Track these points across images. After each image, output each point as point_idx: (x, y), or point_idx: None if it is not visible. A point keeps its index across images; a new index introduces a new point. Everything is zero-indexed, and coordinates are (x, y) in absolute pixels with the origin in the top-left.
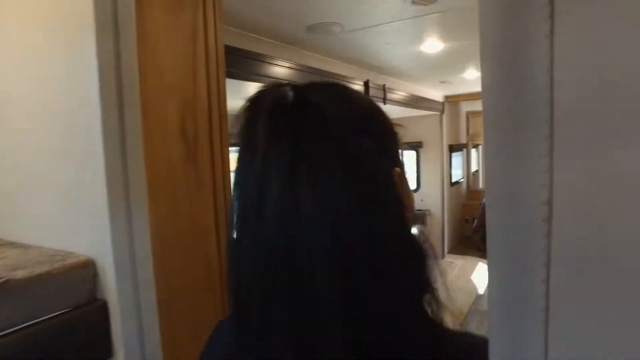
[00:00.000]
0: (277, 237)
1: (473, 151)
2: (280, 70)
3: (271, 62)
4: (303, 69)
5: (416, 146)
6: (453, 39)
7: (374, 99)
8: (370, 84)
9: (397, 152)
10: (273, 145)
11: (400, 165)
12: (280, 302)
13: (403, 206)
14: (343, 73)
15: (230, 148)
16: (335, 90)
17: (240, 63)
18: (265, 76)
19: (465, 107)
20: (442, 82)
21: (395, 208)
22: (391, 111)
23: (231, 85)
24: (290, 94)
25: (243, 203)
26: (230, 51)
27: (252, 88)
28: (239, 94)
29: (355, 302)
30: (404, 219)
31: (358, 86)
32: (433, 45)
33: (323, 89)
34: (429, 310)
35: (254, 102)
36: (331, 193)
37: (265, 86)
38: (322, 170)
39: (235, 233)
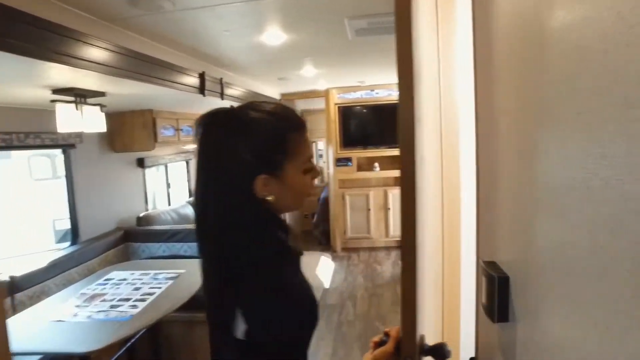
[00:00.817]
0: (198, 204)
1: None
2: (96, 52)
3: (81, 39)
4: (126, 54)
5: None
6: (295, 31)
7: (208, 93)
8: (207, 77)
9: (277, 159)
10: (197, 156)
11: (275, 167)
12: (198, 231)
13: (254, 196)
14: (176, 62)
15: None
16: (243, 115)
17: (35, 36)
18: (74, 57)
19: (300, 105)
20: (280, 78)
21: (248, 197)
22: None
23: (25, 64)
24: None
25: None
26: (16, 16)
27: (54, 71)
28: (37, 78)
29: (225, 231)
30: (255, 204)
31: (193, 79)
32: (274, 36)
33: (240, 111)
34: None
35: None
36: (220, 185)
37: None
38: (216, 171)
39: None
